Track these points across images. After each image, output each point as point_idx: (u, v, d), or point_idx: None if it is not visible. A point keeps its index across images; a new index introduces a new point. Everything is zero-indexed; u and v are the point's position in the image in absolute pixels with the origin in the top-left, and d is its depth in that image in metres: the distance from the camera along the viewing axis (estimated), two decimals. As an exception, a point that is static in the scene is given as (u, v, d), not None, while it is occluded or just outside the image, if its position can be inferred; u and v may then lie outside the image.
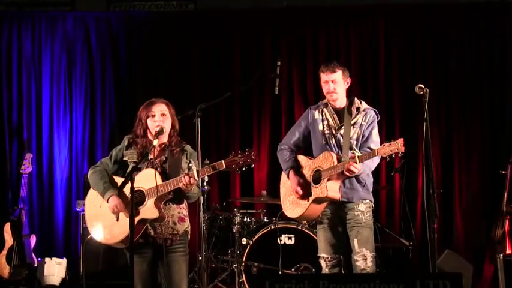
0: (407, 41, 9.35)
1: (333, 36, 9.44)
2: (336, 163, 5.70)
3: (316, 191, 5.82)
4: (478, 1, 9.32)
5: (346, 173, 5.65)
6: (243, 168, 5.13)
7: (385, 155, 5.44)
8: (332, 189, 5.76)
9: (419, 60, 9.29)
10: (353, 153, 5.69)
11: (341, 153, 5.82)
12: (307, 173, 5.99)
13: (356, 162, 5.57)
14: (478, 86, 9.20)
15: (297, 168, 6.09)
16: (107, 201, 5.36)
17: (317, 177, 5.86)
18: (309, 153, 6.16)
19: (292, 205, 6.09)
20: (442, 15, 9.30)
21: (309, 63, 9.32)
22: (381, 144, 5.74)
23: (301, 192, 5.93)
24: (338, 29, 9.44)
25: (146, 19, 9.65)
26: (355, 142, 5.91)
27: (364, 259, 5.82)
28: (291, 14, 9.49)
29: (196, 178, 5.17)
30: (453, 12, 9.29)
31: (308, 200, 5.89)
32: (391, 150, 5.36)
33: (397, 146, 5.33)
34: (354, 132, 5.92)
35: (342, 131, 5.93)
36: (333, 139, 5.95)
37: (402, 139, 5.35)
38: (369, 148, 5.83)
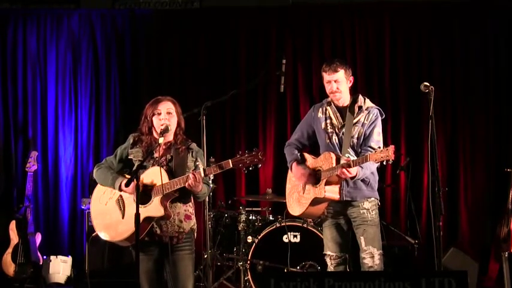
0: (413, 39, 9.35)
1: (338, 34, 9.44)
2: (334, 164, 5.71)
3: (315, 191, 5.84)
4: (484, -1, 9.34)
5: (341, 176, 5.66)
6: (250, 168, 5.12)
7: (376, 161, 5.42)
8: (330, 190, 5.78)
9: (425, 58, 9.30)
10: (348, 157, 5.69)
11: (341, 153, 5.83)
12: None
13: (350, 166, 5.57)
14: (483, 85, 9.21)
15: (302, 163, 6.11)
16: (119, 189, 5.36)
17: (318, 177, 5.88)
18: (316, 152, 6.16)
19: (295, 202, 6.14)
20: (447, 13, 9.29)
21: (314, 61, 9.33)
22: (384, 144, 5.76)
23: (305, 178, 5.94)
24: (344, 27, 9.44)
25: (151, 17, 9.64)
26: (356, 141, 5.91)
27: (371, 257, 5.82)
28: (296, 12, 9.50)
29: (203, 176, 5.17)
30: (459, 10, 9.28)
31: (308, 199, 5.91)
32: (381, 157, 5.34)
33: (387, 153, 5.29)
34: (356, 131, 5.91)
35: (344, 130, 5.93)
36: (336, 138, 5.96)
37: (393, 146, 5.31)
38: (370, 147, 5.82)
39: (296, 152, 6.20)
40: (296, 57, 9.43)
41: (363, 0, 9.46)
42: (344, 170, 5.57)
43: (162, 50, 9.60)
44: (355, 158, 5.68)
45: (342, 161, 5.66)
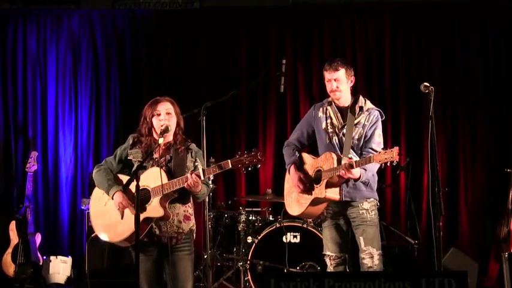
0: (413, 39, 9.35)
1: (338, 34, 9.44)
2: (336, 165, 5.69)
3: (316, 192, 5.83)
4: (484, -1, 9.34)
5: (344, 177, 5.66)
6: (249, 168, 5.11)
7: (380, 163, 5.41)
8: (331, 190, 5.77)
9: (425, 58, 9.29)
10: (350, 157, 5.69)
11: (342, 154, 5.82)
12: (310, 172, 6.00)
13: (353, 167, 5.57)
14: (483, 85, 9.20)
15: (300, 165, 6.10)
16: (112, 198, 5.36)
17: (318, 177, 5.87)
18: (315, 152, 6.15)
19: (293, 202, 6.12)
20: (447, 13, 9.28)
21: (314, 61, 9.33)
22: (384, 145, 5.76)
23: (302, 187, 5.94)
24: (344, 27, 9.44)
25: (151, 17, 9.64)
26: (357, 142, 5.90)
27: (370, 257, 5.81)
28: (296, 12, 9.49)
29: (202, 177, 5.17)
30: (459, 10, 9.28)
31: (307, 199, 5.90)
32: (385, 158, 5.33)
33: (392, 154, 5.29)
34: (356, 132, 5.90)
35: (344, 131, 5.92)
36: (336, 138, 5.94)
37: (397, 148, 5.30)
38: (371, 149, 5.82)
39: (295, 153, 6.17)
40: (296, 57, 9.42)
41: (363, 0, 9.46)
42: (346, 171, 5.57)
43: (162, 50, 9.60)
44: (358, 158, 5.69)
45: (344, 161, 5.66)
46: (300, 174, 6.01)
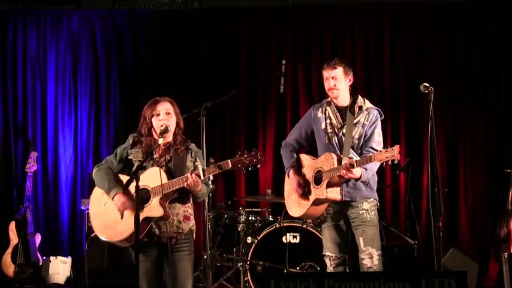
0: (413, 39, 9.34)
1: (338, 34, 9.44)
2: (336, 165, 5.69)
3: (316, 192, 5.83)
4: (484, -1, 9.33)
5: (344, 177, 5.65)
6: (249, 168, 5.11)
7: (381, 161, 5.41)
8: (332, 190, 5.77)
9: (425, 58, 9.28)
10: (351, 157, 5.68)
11: (342, 154, 5.81)
12: (309, 173, 5.99)
13: (354, 167, 5.56)
14: (483, 85, 9.19)
15: (298, 168, 6.10)
16: (113, 200, 5.35)
17: (318, 178, 5.86)
18: (313, 152, 6.15)
19: (294, 204, 6.11)
20: (447, 13, 9.27)
21: (314, 61, 9.32)
22: (384, 145, 5.76)
23: (301, 191, 5.94)
24: (344, 27, 9.43)
25: (151, 17, 9.65)
26: (357, 142, 5.90)
27: (370, 257, 5.81)
28: (296, 12, 9.49)
29: (202, 176, 5.16)
30: (459, 10, 9.27)
31: (309, 200, 5.89)
32: (387, 157, 5.33)
33: (393, 153, 5.29)
34: (356, 132, 5.90)
35: (344, 130, 5.91)
36: (336, 138, 5.94)
37: (398, 146, 5.30)
38: (371, 148, 5.82)
39: (293, 155, 6.18)
40: (296, 57, 9.42)
41: (363, 0, 9.46)
42: (347, 171, 5.56)
43: (162, 50, 9.60)
44: (358, 158, 5.69)
45: (345, 161, 5.65)
46: (298, 178, 6.01)
